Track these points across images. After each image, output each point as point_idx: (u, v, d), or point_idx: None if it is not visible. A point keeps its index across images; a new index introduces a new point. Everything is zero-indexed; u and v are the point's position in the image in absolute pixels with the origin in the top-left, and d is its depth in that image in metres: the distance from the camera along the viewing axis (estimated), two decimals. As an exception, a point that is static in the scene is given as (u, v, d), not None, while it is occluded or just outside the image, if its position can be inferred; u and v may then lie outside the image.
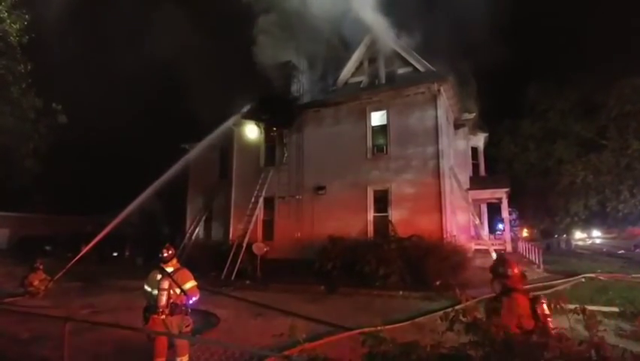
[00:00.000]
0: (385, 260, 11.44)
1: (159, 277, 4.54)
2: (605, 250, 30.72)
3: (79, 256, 13.15)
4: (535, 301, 3.18)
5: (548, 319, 3.04)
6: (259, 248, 14.12)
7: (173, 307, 4.45)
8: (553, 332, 2.81)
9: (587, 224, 32.68)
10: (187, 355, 4.46)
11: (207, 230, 18.73)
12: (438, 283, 10.79)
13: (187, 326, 4.58)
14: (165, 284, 4.46)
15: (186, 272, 4.69)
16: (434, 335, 2.47)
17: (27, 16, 15.17)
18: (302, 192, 15.47)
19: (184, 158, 16.79)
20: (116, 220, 14.41)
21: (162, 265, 4.63)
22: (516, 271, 3.44)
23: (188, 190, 19.96)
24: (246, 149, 17.07)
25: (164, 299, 4.41)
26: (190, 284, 4.60)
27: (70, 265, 12.56)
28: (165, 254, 4.68)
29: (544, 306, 3.09)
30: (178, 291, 4.51)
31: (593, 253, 26.91)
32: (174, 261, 4.74)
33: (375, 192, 14.32)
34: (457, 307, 2.64)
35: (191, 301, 4.61)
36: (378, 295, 10.50)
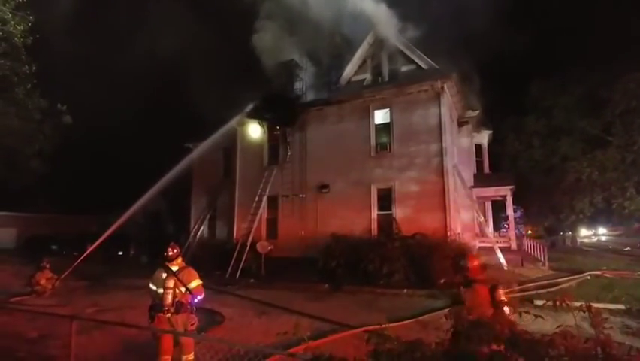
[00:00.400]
0: (389, 258, 11.42)
1: (164, 275, 4.55)
2: (610, 247, 30.52)
3: (85, 255, 13.26)
4: (493, 290, 3.48)
5: (505, 306, 3.35)
6: (263, 247, 14.15)
7: (179, 306, 4.46)
8: (509, 317, 3.16)
9: (592, 221, 32.53)
10: (192, 353, 4.48)
11: (211, 229, 18.80)
12: (442, 281, 10.76)
13: (192, 325, 4.59)
14: (170, 283, 4.48)
15: (191, 271, 4.70)
16: (439, 333, 2.48)
17: (31, 18, 15.26)
18: (305, 190, 15.48)
19: (188, 157, 16.86)
20: (121, 220, 14.48)
21: (167, 263, 4.64)
22: (476, 263, 3.74)
23: (192, 189, 20.03)
24: (249, 148, 17.10)
25: (169, 298, 4.42)
26: (195, 283, 4.61)
27: (76, 263, 12.66)
28: (170, 253, 4.69)
29: (502, 294, 3.42)
30: (183, 290, 4.53)
31: (598, 251, 26.74)
32: (179, 260, 4.75)
33: (379, 190, 14.29)
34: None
35: (196, 300, 4.62)
36: (382, 293, 10.50)
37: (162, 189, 15.20)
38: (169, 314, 4.41)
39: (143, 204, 15.04)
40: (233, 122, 16.65)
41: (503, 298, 3.43)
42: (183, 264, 4.76)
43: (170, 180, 15.26)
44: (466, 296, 3.52)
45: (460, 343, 2.76)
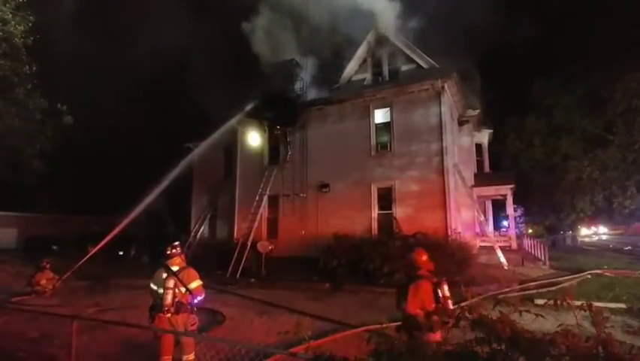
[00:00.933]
0: (390, 257, 11.41)
1: (165, 275, 4.54)
2: (611, 246, 30.50)
3: (88, 256, 13.15)
4: (437, 286, 3.66)
5: (448, 300, 3.55)
6: (264, 246, 14.16)
7: (179, 306, 4.45)
8: (451, 310, 3.40)
9: (593, 220, 32.51)
10: (193, 353, 4.48)
11: (212, 229, 18.81)
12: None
13: (192, 325, 4.58)
14: (170, 283, 4.46)
15: (192, 271, 4.67)
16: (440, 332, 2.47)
17: (31, 18, 15.27)
18: (306, 190, 15.48)
19: (189, 156, 16.82)
20: (125, 221, 14.35)
21: (168, 263, 4.63)
22: (424, 258, 3.93)
23: (192, 189, 20.04)
24: (249, 147, 17.10)
25: (169, 298, 4.41)
26: (195, 283, 4.59)
27: (79, 265, 12.63)
28: (170, 252, 4.68)
29: (446, 289, 3.62)
30: (183, 290, 4.52)
31: (599, 250, 26.73)
32: (180, 259, 4.73)
33: (380, 190, 14.29)
34: (462, 304, 2.63)
35: (196, 301, 4.60)
36: (383, 292, 10.48)
37: (165, 188, 15.13)
38: (169, 314, 4.39)
39: (146, 204, 14.96)
40: (233, 121, 16.62)
41: (447, 293, 3.62)
42: (184, 264, 4.74)
43: (171, 179, 15.26)
44: (410, 290, 3.67)
45: (400, 332, 3.33)
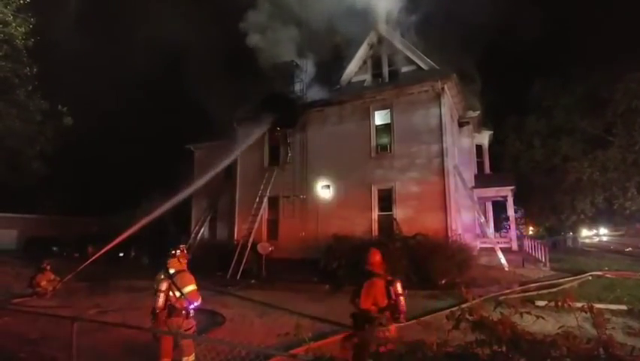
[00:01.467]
0: (390, 259, 11.35)
1: (162, 277, 4.51)
2: (612, 247, 30.46)
3: (92, 259, 13.04)
4: (390, 283, 3.93)
5: (400, 297, 3.84)
6: (264, 248, 14.15)
7: (171, 310, 4.40)
8: (403, 307, 3.79)
9: (593, 221, 32.45)
10: (193, 354, 4.45)
11: (212, 230, 18.81)
12: (443, 281, 10.76)
13: (188, 329, 4.49)
14: (163, 286, 4.42)
15: (187, 275, 4.59)
16: (440, 334, 2.47)
17: (32, 20, 15.30)
18: (306, 191, 15.48)
19: (224, 161, 16.09)
20: (140, 223, 13.84)
21: (167, 265, 4.60)
22: (377, 258, 4.10)
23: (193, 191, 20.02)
24: (250, 149, 17.08)
25: (160, 301, 4.36)
26: (189, 288, 4.49)
27: (82, 267, 12.56)
28: (171, 253, 4.66)
29: (398, 287, 3.90)
30: (178, 294, 4.44)
31: (599, 251, 26.69)
32: (178, 262, 4.66)
33: (380, 191, 14.29)
34: (463, 305, 2.63)
35: (191, 306, 4.51)
36: (383, 294, 10.47)
37: (168, 192, 14.84)
38: (163, 317, 4.37)
39: (169, 207, 14.40)
40: (265, 125, 15.85)
41: (400, 291, 3.90)
42: (183, 267, 4.67)
43: (201, 184, 15.24)
44: (364, 287, 3.92)
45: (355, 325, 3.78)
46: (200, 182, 15.66)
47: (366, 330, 3.61)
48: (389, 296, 3.85)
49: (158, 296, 4.38)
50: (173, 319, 4.42)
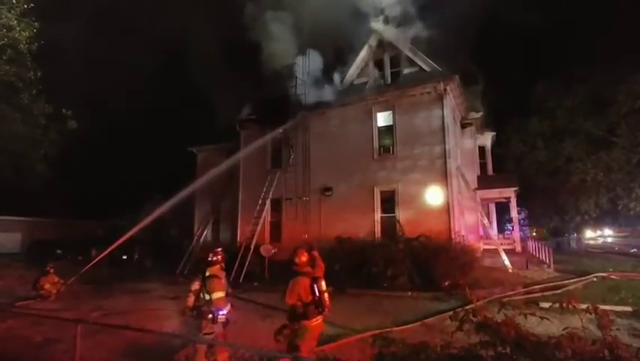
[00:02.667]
0: (393, 261, 11.38)
1: (197, 278, 4.66)
2: (616, 248, 30.24)
3: (95, 261, 13.05)
4: (315, 281, 4.28)
5: (324, 294, 4.24)
6: (267, 250, 14.13)
7: (198, 312, 4.51)
8: (326, 301, 4.22)
9: (598, 222, 32.27)
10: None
11: (215, 232, 18.83)
12: (447, 283, 10.71)
13: (209, 333, 4.52)
14: (194, 287, 4.57)
15: (217, 281, 4.65)
16: (444, 336, 2.47)
17: (36, 24, 15.41)
18: (309, 193, 15.49)
19: (232, 159, 15.80)
20: (140, 225, 13.84)
21: (205, 268, 4.72)
22: (303, 259, 4.43)
23: (196, 193, 20.06)
24: (252, 151, 17.11)
25: (189, 300, 4.52)
26: (216, 295, 4.55)
27: (85, 269, 12.59)
28: (210, 258, 4.77)
29: (322, 285, 4.29)
30: (207, 297, 4.54)
31: (604, 252, 26.49)
32: (216, 267, 4.75)
33: (382, 193, 14.28)
34: (466, 307, 2.62)
35: (219, 312, 4.53)
36: (386, 295, 10.45)
37: (171, 194, 14.70)
38: (192, 316, 4.54)
39: (170, 207, 14.32)
40: (288, 126, 15.80)
41: (324, 288, 4.29)
42: (218, 272, 4.75)
43: (204, 183, 15.19)
44: (290, 285, 4.30)
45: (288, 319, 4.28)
46: (201, 181, 15.59)
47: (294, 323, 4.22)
48: (313, 293, 4.22)
49: (188, 296, 4.54)
50: (203, 321, 4.52)
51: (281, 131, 15.64)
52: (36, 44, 15.78)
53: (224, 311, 4.60)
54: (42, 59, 16.43)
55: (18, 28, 15.05)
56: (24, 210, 27.86)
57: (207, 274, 4.64)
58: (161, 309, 9.10)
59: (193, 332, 4.62)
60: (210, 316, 4.49)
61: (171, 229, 24.41)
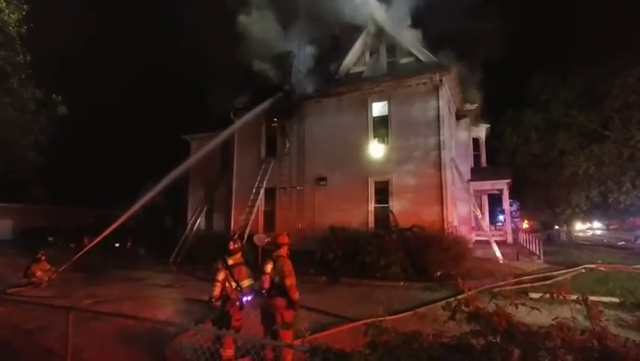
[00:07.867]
0: (386, 251, 11.47)
1: (220, 267, 4.69)
2: (605, 241, 30.77)
3: (87, 249, 13.00)
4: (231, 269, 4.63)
5: (242, 279, 4.63)
6: (260, 239, 14.13)
7: (226, 300, 4.56)
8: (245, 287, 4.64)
9: (588, 215, 32.71)
10: (231, 349, 4.44)
11: (209, 221, 18.78)
12: (439, 273, 10.83)
13: (236, 320, 4.62)
14: (220, 276, 4.61)
15: (243, 269, 4.77)
16: (436, 325, 2.49)
17: (25, 7, 15.04)
18: (303, 182, 15.47)
19: (212, 143, 15.41)
20: (129, 212, 13.66)
21: (226, 257, 4.76)
22: (236, 246, 4.84)
23: (189, 181, 19.96)
24: (247, 140, 17.02)
25: (216, 290, 4.55)
26: (247, 282, 4.70)
27: (77, 256, 12.53)
28: (230, 247, 4.82)
29: (243, 272, 4.70)
30: (234, 285, 4.62)
31: (593, 245, 26.95)
32: (237, 255, 4.85)
33: (376, 183, 14.31)
34: (458, 297, 2.64)
35: (245, 299, 4.67)
36: (379, 285, 10.55)
37: (173, 180, 14.50)
38: (218, 306, 4.57)
39: (152, 196, 14.22)
40: (263, 106, 15.35)
41: (236, 276, 4.67)
42: (241, 260, 4.85)
43: (179, 173, 14.84)
44: (229, 272, 4.66)
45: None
46: (192, 160, 15.44)
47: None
48: (234, 278, 4.68)
49: (215, 286, 4.57)
50: (227, 308, 4.57)
51: (264, 108, 15.30)
52: (25, 28, 15.42)
53: (250, 298, 4.72)
54: (32, 43, 16.06)
55: (7, 11, 14.69)
56: (15, 198, 27.56)
57: (230, 263, 4.72)
58: (155, 297, 9.16)
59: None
60: (238, 303, 4.62)
61: (164, 218, 24.32)
